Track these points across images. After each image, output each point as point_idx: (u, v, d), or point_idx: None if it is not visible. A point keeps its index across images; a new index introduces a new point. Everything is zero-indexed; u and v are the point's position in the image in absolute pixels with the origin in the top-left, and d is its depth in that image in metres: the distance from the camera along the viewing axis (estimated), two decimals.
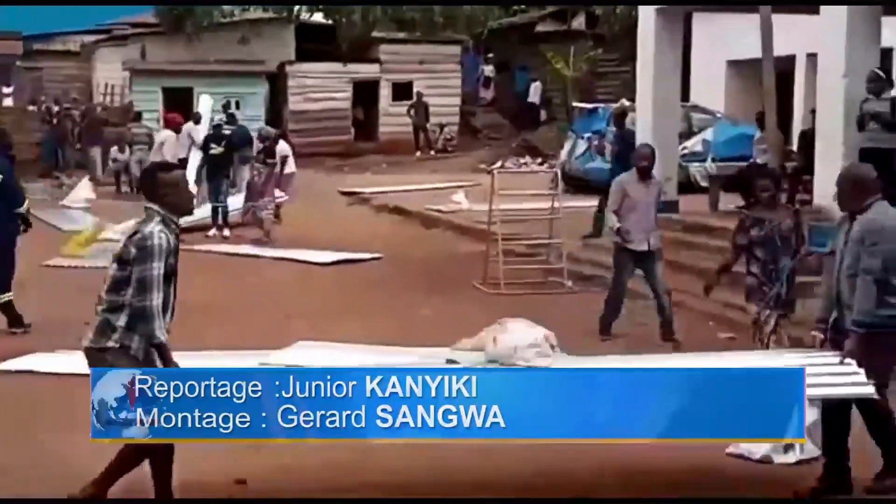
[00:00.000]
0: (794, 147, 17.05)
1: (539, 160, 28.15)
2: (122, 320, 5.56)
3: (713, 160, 19.23)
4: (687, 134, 20.44)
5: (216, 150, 18.16)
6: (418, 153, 31.89)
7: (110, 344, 5.56)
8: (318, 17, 34.98)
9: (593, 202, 16.05)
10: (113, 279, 5.61)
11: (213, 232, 17.63)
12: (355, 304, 12.24)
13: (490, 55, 37.02)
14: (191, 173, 18.51)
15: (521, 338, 6.46)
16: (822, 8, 11.76)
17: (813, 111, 14.79)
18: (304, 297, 12.29)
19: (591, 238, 15.11)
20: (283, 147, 18.62)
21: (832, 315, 6.26)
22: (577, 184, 21.35)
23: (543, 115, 33.22)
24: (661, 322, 10.32)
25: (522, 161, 28.70)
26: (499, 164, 27.12)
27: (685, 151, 19.29)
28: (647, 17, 15.19)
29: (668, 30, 15.04)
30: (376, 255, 15.55)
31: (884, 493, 6.18)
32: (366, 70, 33.03)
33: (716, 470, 6.74)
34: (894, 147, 11.31)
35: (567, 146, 22.81)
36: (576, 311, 11.74)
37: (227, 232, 17.81)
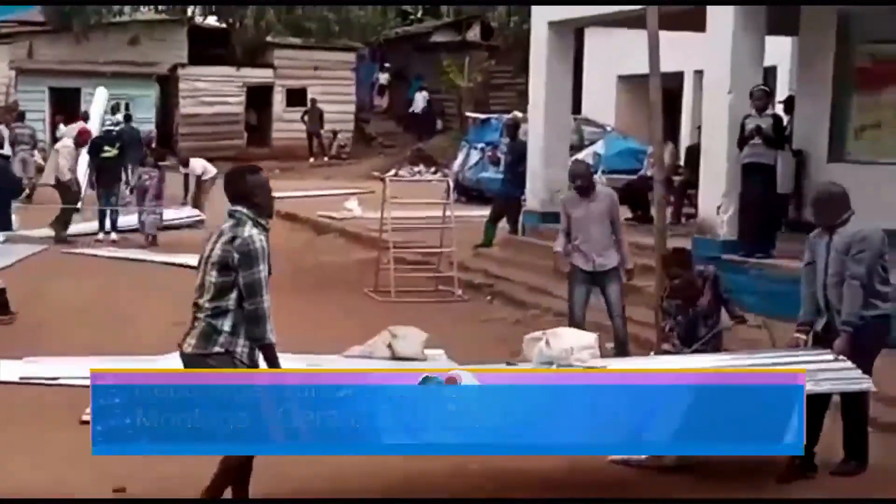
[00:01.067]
0: (682, 161, 17.43)
1: (433, 169, 28.26)
2: (227, 325, 5.53)
3: (603, 172, 19.53)
4: (578, 146, 20.75)
5: (109, 152, 17.66)
6: (312, 160, 31.72)
7: (216, 349, 5.52)
8: (212, 21, 34.59)
9: (485, 212, 16.20)
10: (215, 286, 5.53)
11: (101, 235, 17.26)
12: None
13: (386, 63, 37.06)
14: (82, 176, 18.12)
15: (576, 340, 6.76)
16: (709, 26, 12.05)
17: (699, 127, 15.16)
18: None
19: (482, 247, 15.24)
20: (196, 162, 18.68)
21: (815, 319, 6.91)
22: (470, 194, 21.53)
23: (440, 123, 33.34)
24: (615, 345, 9.69)
25: (416, 170, 28.78)
26: (392, 172, 27.15)
27: None
28: (539, 29, 15.38)
29: (560, 43, 15.25)
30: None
31: (846, 475, 6.82)
32: (259, 75, 32.75)
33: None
34: (775, 163, 11.65)
35: (460, 156, 22.96)
36: (466, 319, 11.81)
37: (114, 236, 17.43)
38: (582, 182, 9.72)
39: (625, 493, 6.56)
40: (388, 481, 6.61)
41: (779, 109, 14.06)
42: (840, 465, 6.88)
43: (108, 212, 17.41)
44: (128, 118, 20.57)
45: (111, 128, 19.03)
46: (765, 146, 11.39)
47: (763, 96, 11.56)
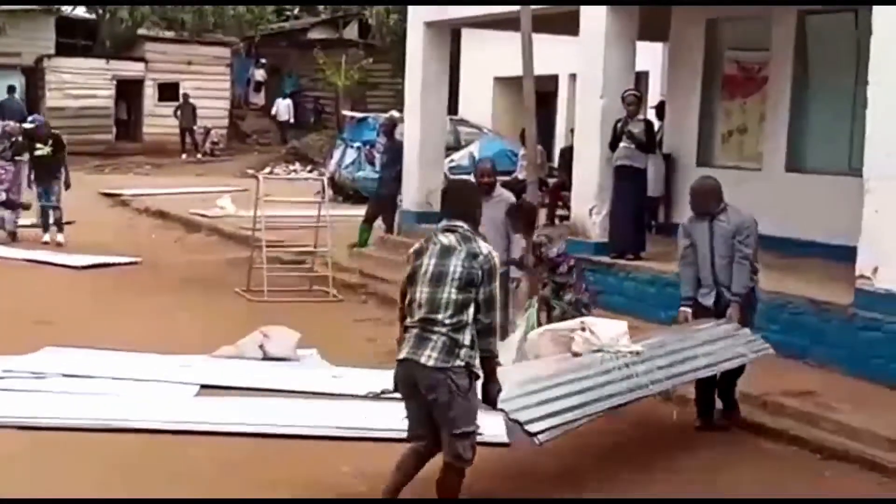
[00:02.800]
0: (556, 163, 17.66)
1: (308, 167, 28.05)
2: (466, 339, 5.55)
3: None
4: (454, 147, 20.83)
5: (43, 150, 16.37)
6: (184, 156, 31.18)
7: (458, 363, 5.52)
8: (81, 12, 33.67)
9: (361, 211, 16.12)
10: (456, 302, 5.52)
11: (46, 237, 16.40)
12: (110, 309, 11.79)
13: (262, 60, 36.64)
14: None
15: (616, 328, 7.37)
16: (582, 31, 12.20)
17: (572, 130, 15.36)
18: (56, 302, 11.72)
19: (357, 247, 15.16)
20: None
21: (695, 295, 7.93)
22: (345, 193, 21.42)
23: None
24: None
25: (291, 168, 28.53)
26: (267, 170, 26.86)
27: (452, 164, 19.64)
28: (416, 30, 15.40)
29: (436, 44, 15.29)
30: (134, 260, 15.04)
31: (718, 430, 7.81)
32: (130, 68, 32.04)
33: None
34: (645, 166, 11.88)
35: (336, 155, 22.81)
36: (340, 319, 11.73)
37: (61, 238, 16.20)
38: (487, 179, 9.58)
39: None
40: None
41: (651, 114, 14.35)
42: (723, 418, 7.95)
43: (50, 210, 16.48)
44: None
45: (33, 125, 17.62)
46: (636, 149, 11.59)
47: (634, 101, 11.76)
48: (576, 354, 7.19)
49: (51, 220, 16.35)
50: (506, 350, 8.37)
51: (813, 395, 8.26)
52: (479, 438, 7.05)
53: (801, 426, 7.77)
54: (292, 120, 32.82)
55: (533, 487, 6.69)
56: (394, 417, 7.68)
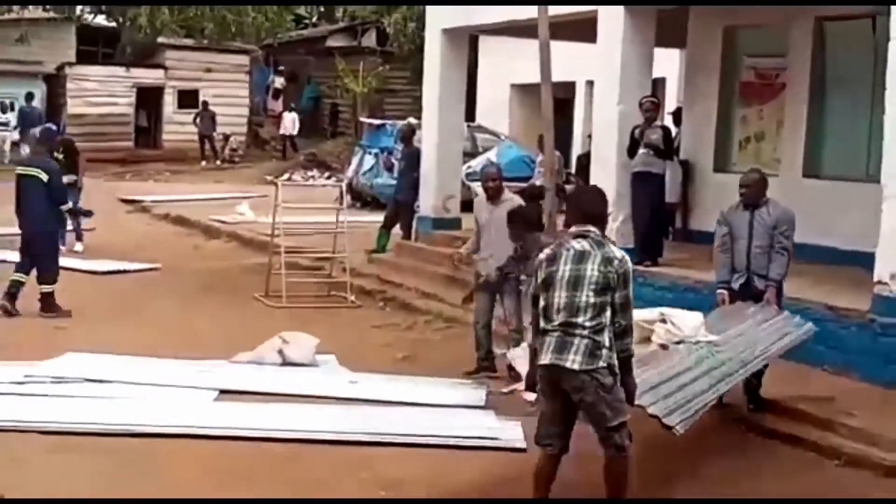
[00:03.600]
0: (573, 170, 17.67)
1: (326, 174, 28.14)
2: (605, 340, 5.74)
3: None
4: (472, 154, 20.87)
5: (57, 156, 16.56)
6: (203, 163, 31.30)
7: (601, 364, 5.72)
8: (102, 20, 33.87)
9: (379, 217, 16.18)
10: (595, 305, 5.72)
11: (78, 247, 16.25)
12: (130, 315, 11.87)
13: (280, 67, 36.78)
14: None
15: (694, 318, 7.78)
16: (599, 38, 12.22)
17: (590, 136, 15.39)
18: (76, 308, 11.81)
19: (376, 253, 15.22)
20: None
21: (730, 279, 8.35)
22: (363, 199, 21.49)
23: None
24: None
25: (310, 174, 28.62)
26: (285, 176, 26.96)
27: (469, 170, 19.67)
28: (433, 37, 15.44)
29: (453, 50, 15.34)
30: (154, 266, 15.13)
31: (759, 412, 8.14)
32: (150, 76, 32.18)
33: None
34: (663, 171, 11.89)
35: (355, 161, 22.89)
36: (358, 325, 11.77)
37: (79, 246, 16.19)
38: (493, 184, 9.66)
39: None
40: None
41: (668, 120, 14.35)
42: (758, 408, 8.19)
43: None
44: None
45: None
46: (654, 156, 11.60)
47: (652, 107, 11.77)
48: (663, 346, 7.53)
49: (69, 228, 16.45)
50: (521, 356, 8.42)
51: (831, 401, 8.26)
52: (497, 444, 7.12)
53: (818, 432, 7.77)
54: (296, 132, 32.65)
55: (553, 493, 6.70)
56: (412, 424, 7.78)
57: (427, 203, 15.35)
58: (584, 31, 12.50)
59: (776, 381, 8.17)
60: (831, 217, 11.71)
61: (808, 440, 7.66)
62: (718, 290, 8.49)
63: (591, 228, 5.89)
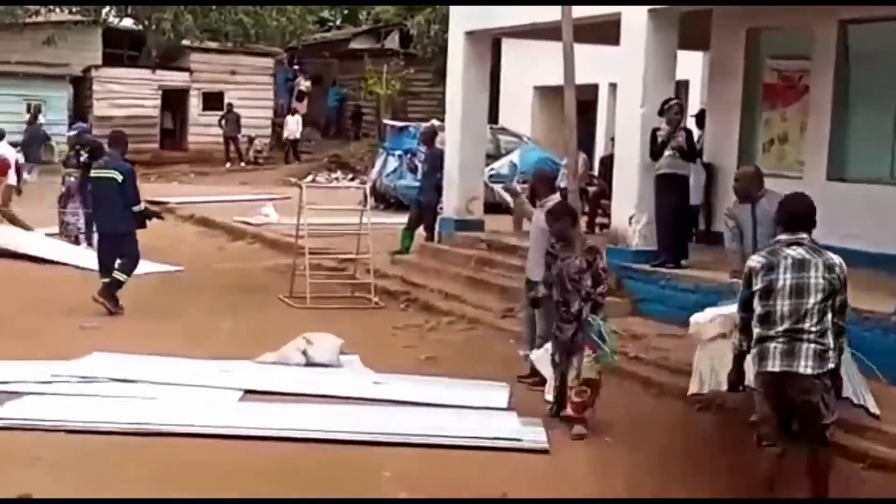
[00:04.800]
0: (596, 172, 17.66)
1: (350, 176, 28.23)
2: (830, 343, 5.98)
3: (519, 182, 19.73)
4: (495, 155, 20.91)
5: (83, 157, 16.38)
6: (228, 164, 31.47)
7: (829, 366, 5.97)
8: (127, 22, 34.11)
9: (402, 219, 16.23)
10: (820, 311, 5.95)
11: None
12: (156, 315, 11.95)
13: (305, 69, 36.91)
14: None
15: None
16: (623, 40, 12.25)
17: (612, 138, 15.39)
18: (102, 308, 11.90)
19: (399, 255, 15.27)
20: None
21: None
22: (387, 201, 21.55)
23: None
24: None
25: (333, 176, 28.72)
26: (310, 178, 27.06)
27: (492, 172, 19.72)
28: (456, 39, 15.48)
29: (477, 53, 15.37)
30: (178, 268, 15.22)
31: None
32: (175, 78, 32.43)
33: None
34: (688, 173, 11.90)
35: (378, 163, 22.95)
36: (381, 326, 11.82)
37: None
38: (538, 187, 9.45)
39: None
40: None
41: (691, 123, 14.34)
42: None
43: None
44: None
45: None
46: (679, 158, 11.60)
47: (677, 109, 11.78)
48: None
49: (94, 229, 16.54)
50: (543, 357, 8.45)
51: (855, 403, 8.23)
52: (520, 445, 7.16)
53: (843, 435, 7.74)
54: (298, 136, 32.60)
55: (571, 493, 6.74)
56: (435, 425, 7.82)
57: (450, 205, 15.39)
58: (607, 33, 12.52)
59: None
60: (855, 220, 11.67)
61: (834, 443, 7.63)
62: (733, 280, 8.65)
63: (804, 235, 6.12)
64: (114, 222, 11.92)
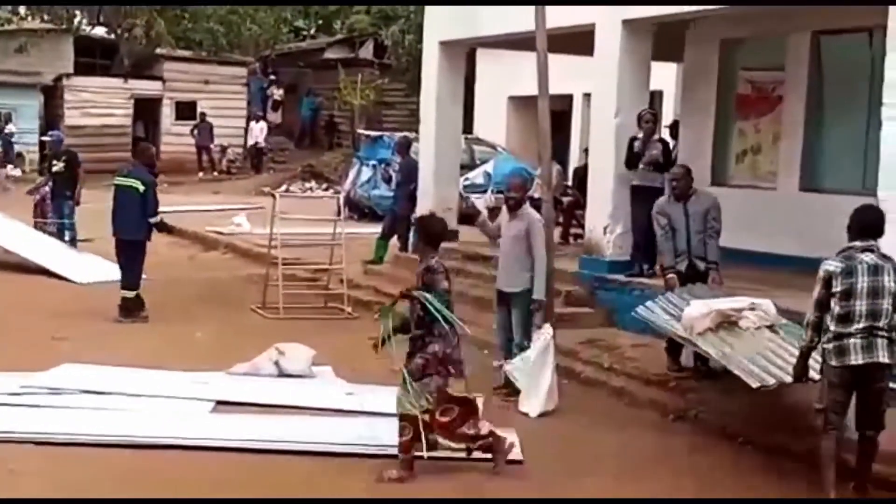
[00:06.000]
0: (570, 182, 17.68)
1: (324, 185, 28.14)
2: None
3: (493, 192, 19.71)
4: (469, 166, 20.90)
5: (57, 166, 16.60)
6: (200, 174, 31.33)
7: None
8: (100, 31, 33.94)
9: (376, 229, 16.17)
10: (890, 310, 6.59)
11: None
12: (126, 326, 11.85)
13: (279, 78, 36.81)
14: None
15: (767, 306, 8.53)
16: (596, 51, 12.25)
17: (586, 149, 15.39)
18: (72, 319, 11.78)
19: (373, 265, 15.21)
20: None
21: (675, 264, 9.37)
22: (361, 211, 21.50)
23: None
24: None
25: (307, 186, 28.61)
26: (283, 187, 26.92)
27: (467, 182, 19.71)
28: (431, 49, 15.47)
29: (451, 63, 15.35)
30: (146, 277, 15.04)
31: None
32: (148, 87, 32.27)
33: None
34: (662, 184, 11.90)
35: (352, 173, 22.91)
36: (354, 336, 11.74)
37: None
38: (515, 195, 9.41)
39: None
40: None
41: (665, 133, 14.37)
42: None
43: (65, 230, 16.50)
44: None
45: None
46: (653, 170, 11.62)
47: (652, 119, 11.80)
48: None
49: (66, 239, 16.45)
50: (521, 367, 8.42)
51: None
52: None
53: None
54: (263, 143, 32.48)
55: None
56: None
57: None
58: (581, 43, 12.53)
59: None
60: (827, 230, 11.67)
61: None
62: (669, 276, 9.39)
63: (873, 242, 6.73)
64: (130, 230, 12.25)
